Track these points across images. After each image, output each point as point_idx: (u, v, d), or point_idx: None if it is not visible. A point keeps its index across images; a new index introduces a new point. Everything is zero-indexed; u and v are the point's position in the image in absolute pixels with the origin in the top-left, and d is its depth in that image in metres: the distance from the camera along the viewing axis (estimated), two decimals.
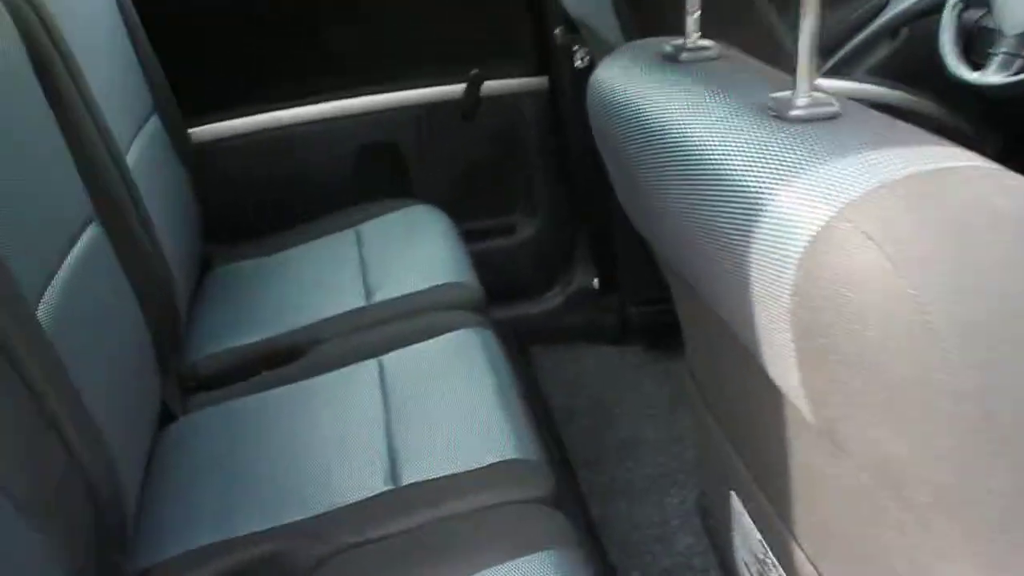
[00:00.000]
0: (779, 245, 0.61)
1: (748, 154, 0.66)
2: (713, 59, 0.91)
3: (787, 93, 0.70)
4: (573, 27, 1.95)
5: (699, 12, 0.89)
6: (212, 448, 1.35)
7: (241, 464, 1.30)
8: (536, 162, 2.18)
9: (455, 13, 2.03)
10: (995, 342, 0.52)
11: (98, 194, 1.30)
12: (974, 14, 1.55)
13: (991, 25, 1.49)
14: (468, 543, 1.08)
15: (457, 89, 2.07)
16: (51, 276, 1.09)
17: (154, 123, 1.77)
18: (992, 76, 1.46)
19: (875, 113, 0.72)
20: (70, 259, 1.17)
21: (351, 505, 1.16)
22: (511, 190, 2.22)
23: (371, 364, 1.45)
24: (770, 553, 0.97)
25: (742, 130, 0.69)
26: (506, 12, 2.05)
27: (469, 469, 1.19)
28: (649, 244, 1.04)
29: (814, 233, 0.58)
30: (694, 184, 0.72)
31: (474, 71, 2.05)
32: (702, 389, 1.12)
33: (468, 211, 2.11)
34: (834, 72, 1.97)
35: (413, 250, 1.78)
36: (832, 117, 0.69)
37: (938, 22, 1.73)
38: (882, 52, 1.97)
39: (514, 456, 1.21)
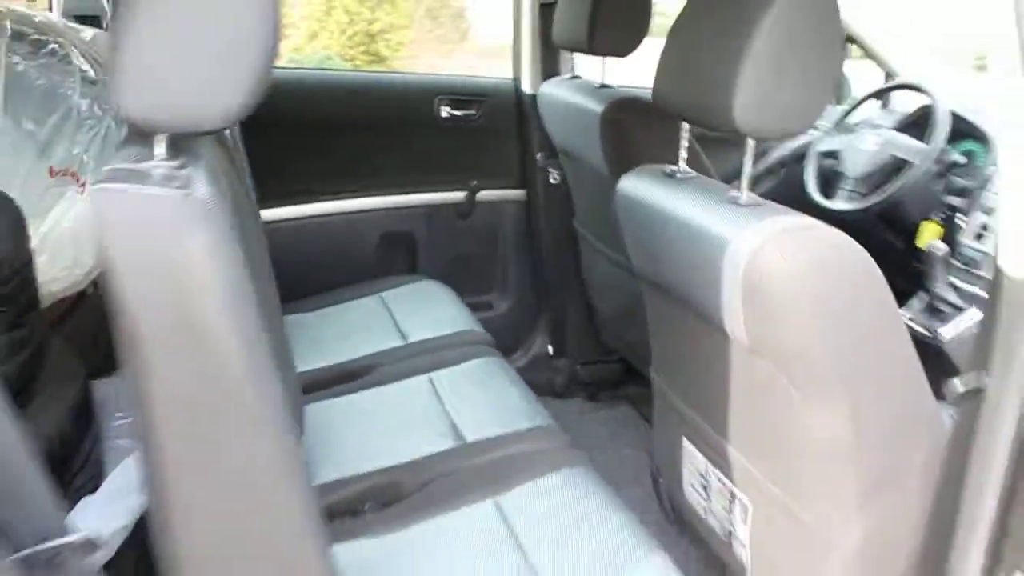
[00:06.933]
0: (734, 259, 1.27)
1: (720, 216, 1.33)
2: (692, 179, 1.53)
3: (736, 193, 1.37)
4: (551, 153, 2.66)
5: (686, 156, 1.54)
6: None
7: None
8: (512, 255, 2.84)
9: (461, 139, 2.71)
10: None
11: None
12: (829, 160, 2.27)
13: (839, 168, 2.20)
14: None
15: (459, 195, 2.73)
16: None
17: None
18: (839, 204, 2.16)
19: (777, 206, 1.38)
20: None
21: None
22: (491, 274, 2.87)
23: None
24: (711, 467, 1.61)
25: (717, 208, 1.36)
26: (500, 140, 2.75)
27: None
28: (638, 276, 1.70)
29: (751, 252, 1.25)
30: (687, 238, 1.39)
31: (473, 182, 2.73)
32: (662, 374, 1.77)
33: (459, 289, 2.67)
34: None
35: (435, 317, 2.35)
36: (758, 204, 1.36)
37: (804, 165, 2.44)
38: (768, 184, 2.65)
39: None
